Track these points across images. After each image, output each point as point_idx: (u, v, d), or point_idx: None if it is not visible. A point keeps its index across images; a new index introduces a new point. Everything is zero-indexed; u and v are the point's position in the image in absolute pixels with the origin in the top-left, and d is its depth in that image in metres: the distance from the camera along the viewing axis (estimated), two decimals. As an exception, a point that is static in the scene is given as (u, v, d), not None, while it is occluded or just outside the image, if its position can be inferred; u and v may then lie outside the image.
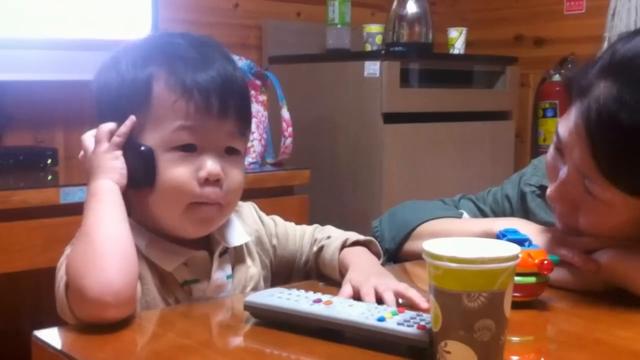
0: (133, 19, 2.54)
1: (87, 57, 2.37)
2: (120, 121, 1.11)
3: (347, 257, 1.19)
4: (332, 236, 1.25)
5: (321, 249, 1.24)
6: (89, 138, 1.13)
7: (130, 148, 1.10)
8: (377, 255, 1.24)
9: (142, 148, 1.09)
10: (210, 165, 1.09)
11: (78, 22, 2.44)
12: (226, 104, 1.10)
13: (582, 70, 1.13)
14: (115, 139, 1.10)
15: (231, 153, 1.13)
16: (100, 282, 0.96)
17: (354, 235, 1.24)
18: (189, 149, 1.09)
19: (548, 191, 1.20)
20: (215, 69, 1.11)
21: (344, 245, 1.21)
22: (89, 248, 1.00)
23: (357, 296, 1.06)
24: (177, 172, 1.09)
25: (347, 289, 1.08)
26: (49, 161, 2.31)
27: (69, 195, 1.92)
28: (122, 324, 0.98)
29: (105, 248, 0.99)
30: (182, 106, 1.08)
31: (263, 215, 1.30)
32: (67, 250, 1.08)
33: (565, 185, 1.16)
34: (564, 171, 1.16)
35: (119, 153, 1.10)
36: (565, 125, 1.14)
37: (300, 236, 1.29)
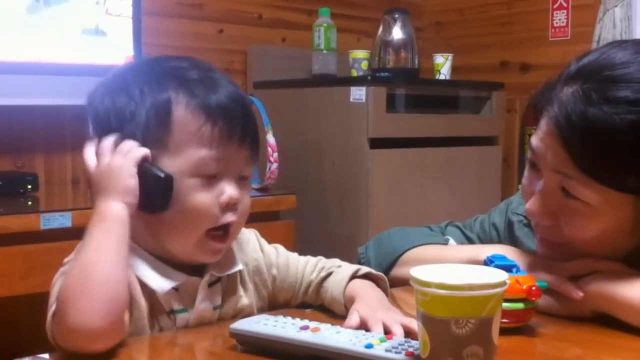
0: (115, 45, 2.54)
1: (68, 82, 2.37)
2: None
3: (355, 289, 1.16)
4: (342, 266, 1.23)
5: (329, 274, 1.21)
6: (91, 152, 1.09)
7: (148, 171, 1.06)
8: (385, 293, 1.20)
9: (162, 175, 1.05)
10: (231, 190, 1.09)
11: (59, 47, 2.43)
12: (246, 130, 1.10)
13: (545, 87, 1.19)
14: (136, 154, 1.05)
15: (242, 178, 1.13)
16: (84, 319, 0.94)
17: (365, 268, 1.22)
18: (210, 176, 1.08)
19: (527, 206, 1.20)
20: (229, 91, 1.10)
21: (354, 275, 1.19)
22: (80, 282, 0.97)
23: (363, 327, 1.04)
24: (200, 198, 1.07)
25: (354, 317, 1.06)
26: (29, 187, 2.28)
27: (49, 221, 1.89)
28: (110, 353, 0.96)
29: (97, 286, 0.97)
30: (208, 132, 1.06)
31: (265, 243, 1.26)
32: (65, 267, 1.06)
33: (543, 194, 1.17)
34: (540, 184, 1.17)
35: (134, 171, 1.05)
36: (536, 136, 1.17)
37: (303, 267, 1.24)
